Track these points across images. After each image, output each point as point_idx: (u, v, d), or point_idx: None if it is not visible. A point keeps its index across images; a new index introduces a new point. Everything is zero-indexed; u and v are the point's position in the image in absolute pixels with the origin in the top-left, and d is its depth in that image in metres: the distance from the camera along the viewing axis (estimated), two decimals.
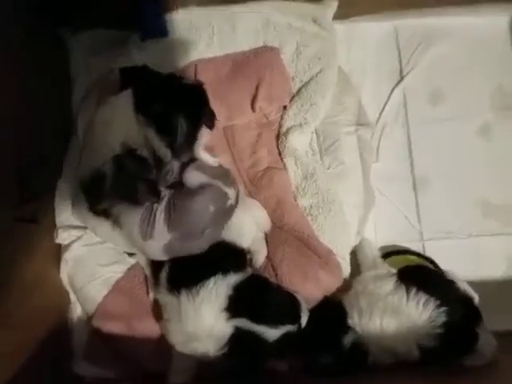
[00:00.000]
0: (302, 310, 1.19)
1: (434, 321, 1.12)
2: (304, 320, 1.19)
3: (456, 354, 1.14)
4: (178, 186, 1.23)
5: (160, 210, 1.16)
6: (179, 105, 1.18)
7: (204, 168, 1.26)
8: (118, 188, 1.14)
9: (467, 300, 1.20)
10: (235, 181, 1.28)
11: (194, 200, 1.17)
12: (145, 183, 1.17)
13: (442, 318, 1.12)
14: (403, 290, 1.16)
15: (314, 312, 1.24)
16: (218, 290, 1.13)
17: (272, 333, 1.13)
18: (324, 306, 1.27)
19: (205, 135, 1.27)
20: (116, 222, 1.17)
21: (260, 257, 1.30)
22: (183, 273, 1.18)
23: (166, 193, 1.21)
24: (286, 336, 1.14)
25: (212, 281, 1.13)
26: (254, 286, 1.18)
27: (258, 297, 1.16)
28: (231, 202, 1.22)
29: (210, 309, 1.12)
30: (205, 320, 1.12)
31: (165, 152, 1.18)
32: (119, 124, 1.17)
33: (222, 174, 1.27)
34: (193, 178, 1.23)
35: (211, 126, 1.27)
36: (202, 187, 1.20)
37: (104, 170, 1.14)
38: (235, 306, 1.13)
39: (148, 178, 1.18)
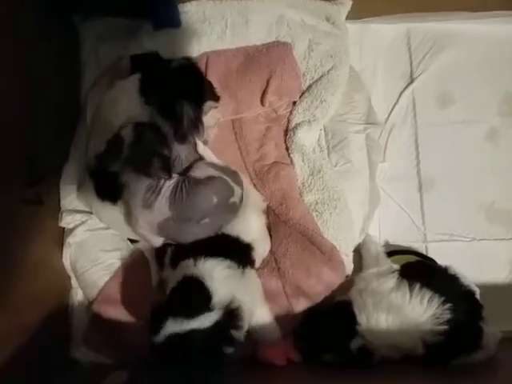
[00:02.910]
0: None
1: (439, 318, 1.12)
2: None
3: (462, 351, 1.14)
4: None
5: (167, 187, 1.17)
6: (182, 90, 1.19)
7: (214, 165, 1.27)
8: (133, 157, 1.15)
9: (470, 295, 1.20)
10: (242, 183, 1.28)
11: (200, 188, 1.18)
12: (160, 158, 1.17)
13: (447, 315, 1.12)
14: (406, 287, 1.16)
15: (323, 311, 1.25)
16: None
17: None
18: (334, 306, 1.26)
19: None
20: (123, 187, 1.16)
21: (264, 249, 1.30)
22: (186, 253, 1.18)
23: (177, 175, 1.21)
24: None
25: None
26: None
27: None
28: (234, 199, 1.22)
29: None
30: None
31: (168, 131, 1.18)
32: (123, 105, 1.18)
33: (231, 172, 1.27)
34: (201, 171, 1.23)
35: (217, 99, 1.28)
36: (210, 178, 1.20)
37: (122, 135, 1.14)
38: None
39: (163, 153, 1.18)
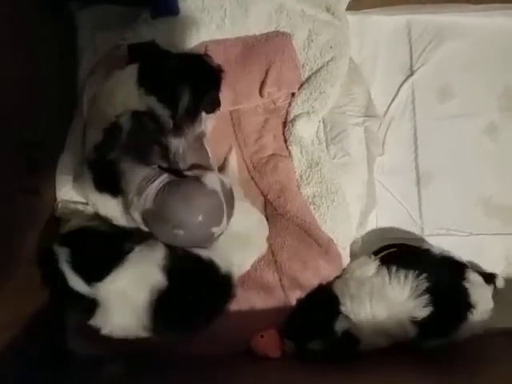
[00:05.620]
0: None
1: (417, 289, 1.16)
2: None
3: (455, 317, 1.18)
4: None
5: (162, 178, 1.14)
6: (186, 77, 1.17)
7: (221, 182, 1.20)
8: (132, 144, 1.14)
9: (446, 260, 1.25)
10: (231, 215, 1.21)
11: (194, 197, 1.14)
12: (160, 146, 1.16)
13: (425, 284, 1.16)
14: (385, 272, 1.21)
15: (306, 298, 1.27)
16: None
17: None
18: (316, 291, 1.29)
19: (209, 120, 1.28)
20: (120, 175, 1.14)
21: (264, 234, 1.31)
22: None
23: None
24: None
25: None
26: None
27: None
28: (215, 230, 1.16)
29: None
30: None
31: (167, 121, 1.16)
32: (120, 96, 1.17)
33: (232, 197, 1.21)
34: (213, 180, 1.18)
35: (210, 111, 1.27)
36: (212, 194, 1.15)
37: (120, 123, 1.13)
38: None
39: (162, 141, 1.17)
